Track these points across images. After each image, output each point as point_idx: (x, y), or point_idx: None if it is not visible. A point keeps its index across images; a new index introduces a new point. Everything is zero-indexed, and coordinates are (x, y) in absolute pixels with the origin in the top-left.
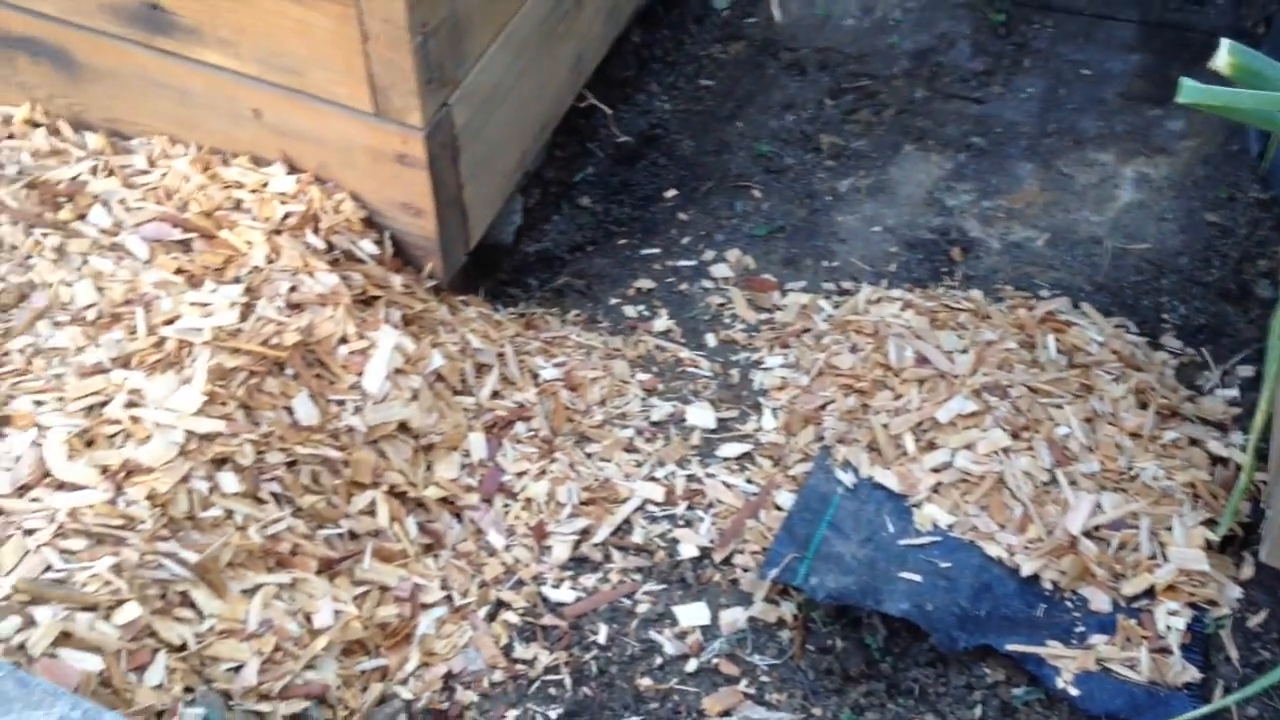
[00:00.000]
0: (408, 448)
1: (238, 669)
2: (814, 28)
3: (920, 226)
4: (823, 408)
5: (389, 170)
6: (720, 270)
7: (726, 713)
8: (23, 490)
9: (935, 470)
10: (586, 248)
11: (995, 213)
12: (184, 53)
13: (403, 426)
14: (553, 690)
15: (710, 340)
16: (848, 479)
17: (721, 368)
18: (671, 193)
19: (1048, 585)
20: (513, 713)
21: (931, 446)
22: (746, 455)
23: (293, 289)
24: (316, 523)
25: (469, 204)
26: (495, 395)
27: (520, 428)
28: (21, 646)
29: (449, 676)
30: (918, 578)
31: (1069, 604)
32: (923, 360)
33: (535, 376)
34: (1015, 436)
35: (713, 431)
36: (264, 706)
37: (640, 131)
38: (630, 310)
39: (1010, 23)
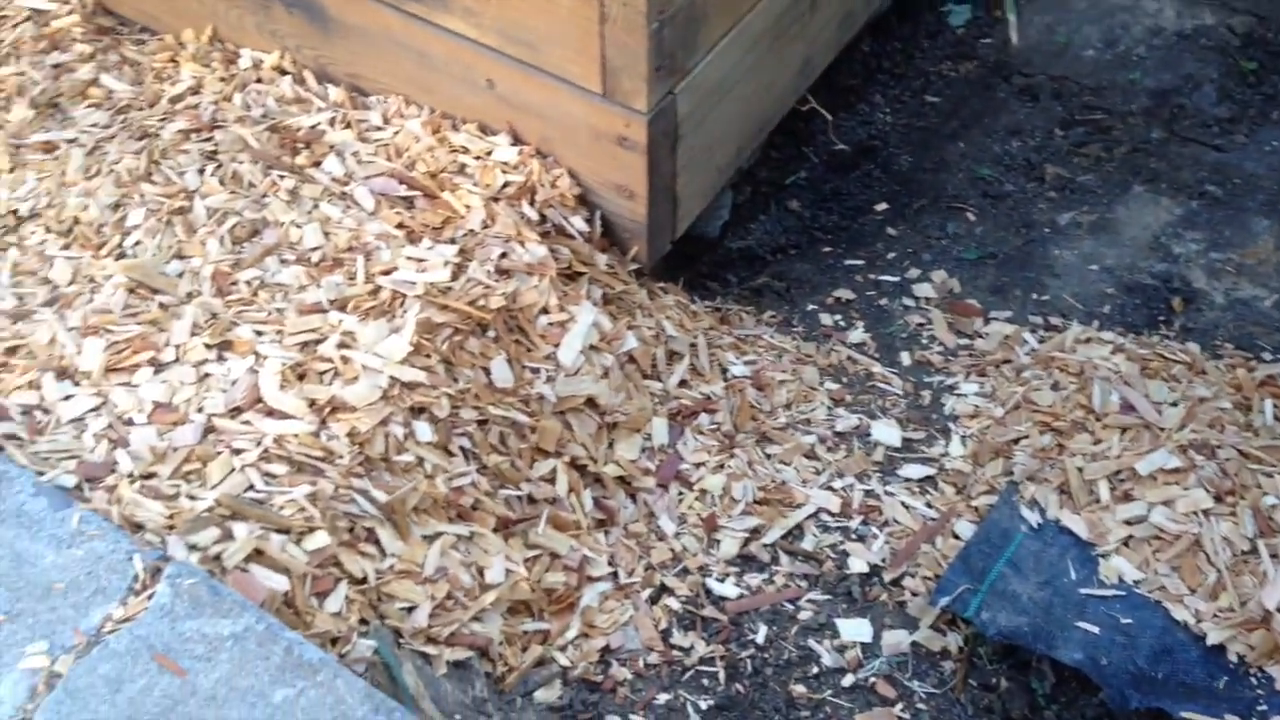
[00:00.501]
0: (593, 423)
1: (410, 610)
2: (1052, 55)
3: (1141, 271)
4: (1015, 442)
5: (608, 151)
6: (923, 289)
7: None
8: (235, 412)
9: (1128, 523)
10: (789, 250)
11: (1224, 266)
12: (430, 18)
13: (590, 402)
14: (705, 681)
15: (905, 359)
16: (1033, 518)
17: (913, 388)
18: (882, 206)
19: (1233, 658)
20: (664, 696)
21: (1127, 497)
22: (929, 479)
23: (503, 255)
24: (499, 482)
25: (681, 193)
26: (683, 384)
27: (704, 419)
28: (217, 557)
29: (606, 651)
30: (1095, 629)
31: (1254, 680)
32: (1128, 407)
33: (724, 371)
34: (1219, 499)
35: (897, 450)
36: (430, 649)
37: (858, 141)
38: (826, 318)
39: (1261, 72)
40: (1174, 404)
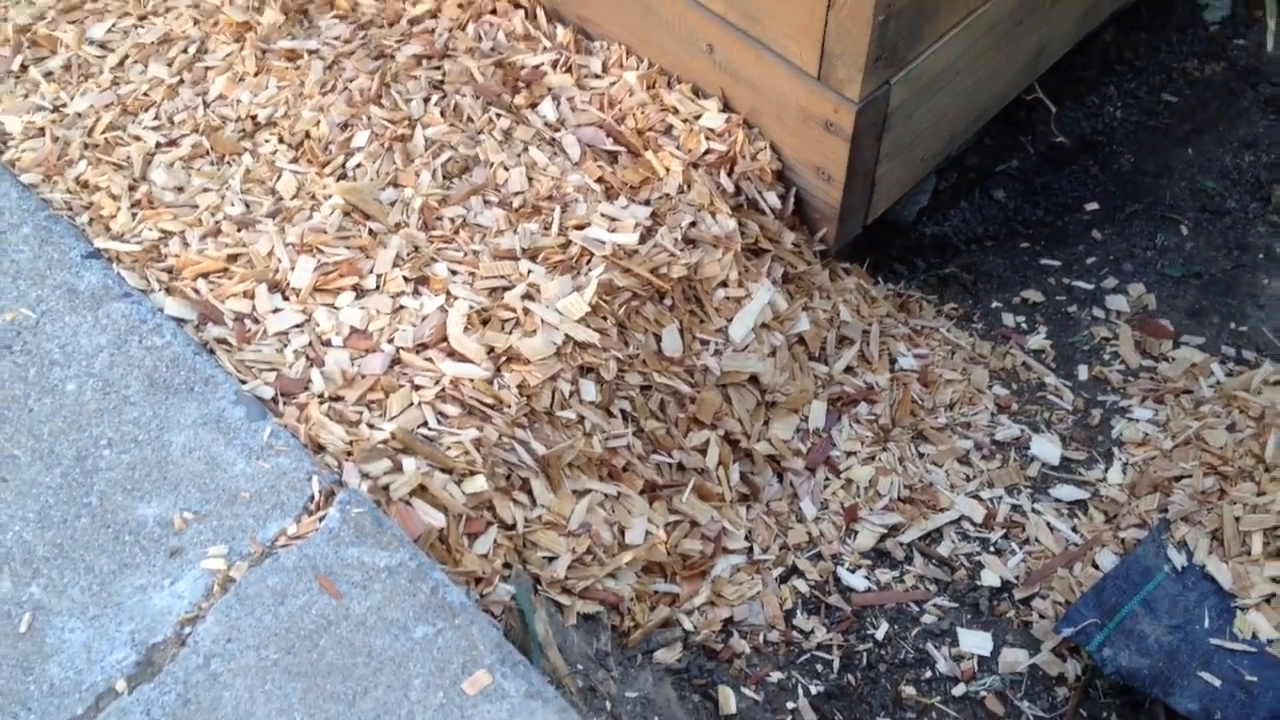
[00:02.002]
0: (752, 399)
1: (551, 560)
2: None
3: None
4: (1177, 479)
5: (813, 133)
6: (1117, 302)
7: None
8: (421, 348)
9: (1275, 579)
10: (985, 242)
11: None
12: None
13: (753, 378)
14: (819, 667)
15: (1082, 372)
16: (1178, 560)
17: (1084, 404)
18: (1093, 206)
19: None
20: (777, 674)
21: (1278, 555)
22: (1080, 503)
23: (693, 224)
24: (652, 447)
25: (879, 181)
26: (848, 370)
27: (863, 409)
28: (385, 488)
29: (729, 621)
30: (1216, 682)
31: None
32: None
33: (893, 362)
34: None
35: (1054, 468)
36: (564, 599)
37: (1081, 135)
38: (1009, 318)
39: None
40: None
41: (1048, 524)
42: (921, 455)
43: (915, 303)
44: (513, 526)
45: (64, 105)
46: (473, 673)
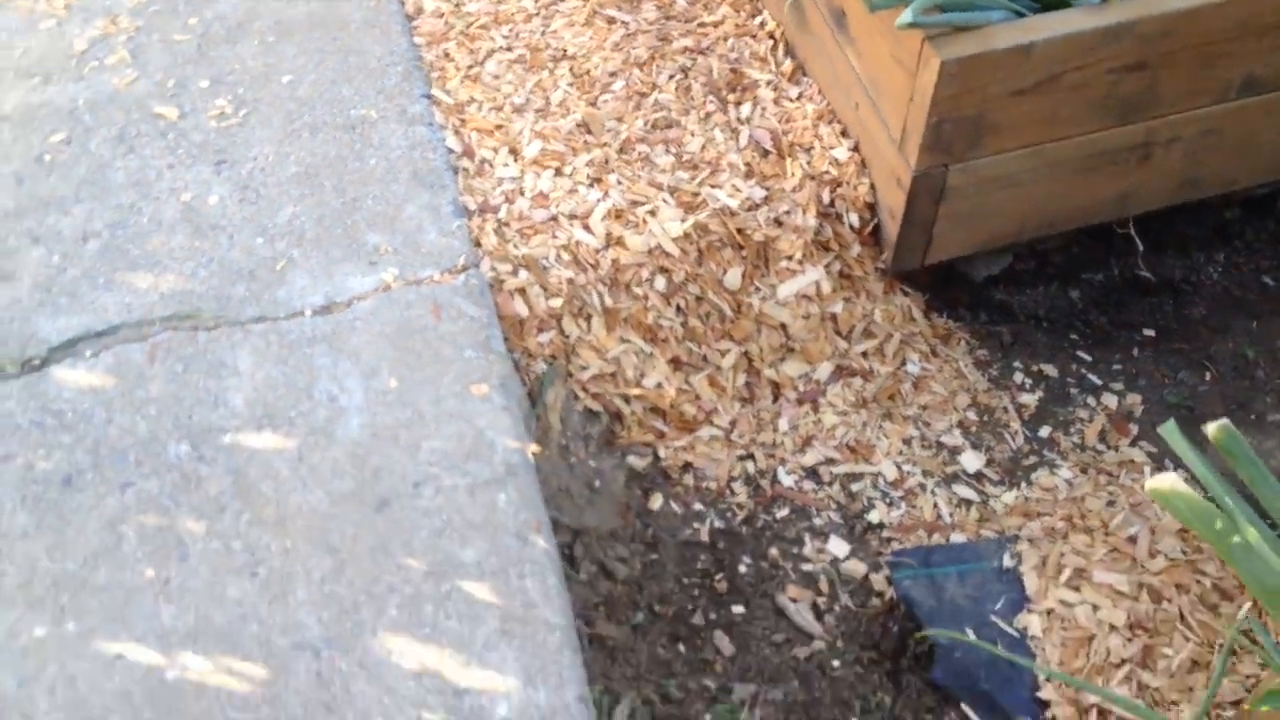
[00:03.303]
0: (777, 340)
1: (585, 368)
2: None
3: None
4: (1042, 515)
5: (891, 184)
6: (1110, 400)
7: None
8: (572, 218)
9: (1061, 602)
10: (1042, 322)
11: None
12: (841, 44)
13: (783, 326)
14: (729, 514)
15: (1044, 431)
16: (1007, 562)
17: (1027, 450)
18: (1149, 332)
19: None
20: (699, 506)
21: (1077, 589)
22: (968, 502)
23: (786, 212)
24: (689, 337)
25: (936, 236)
26: (863, 354)
27: (857, 381)
28: (502, 281)
29: (690, 466)
30: (972, 635)
31: None
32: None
33: (901, 364)
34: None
35: (967, 474)
36: (581, 394)
37: (1169, 279)
38: (1020, 377)
39: None
40: None
41: (935, 504)
42: (880, 427)
43: (954, 337)
44: (568, 336)
45: (462, 4)
46: (481, 384)
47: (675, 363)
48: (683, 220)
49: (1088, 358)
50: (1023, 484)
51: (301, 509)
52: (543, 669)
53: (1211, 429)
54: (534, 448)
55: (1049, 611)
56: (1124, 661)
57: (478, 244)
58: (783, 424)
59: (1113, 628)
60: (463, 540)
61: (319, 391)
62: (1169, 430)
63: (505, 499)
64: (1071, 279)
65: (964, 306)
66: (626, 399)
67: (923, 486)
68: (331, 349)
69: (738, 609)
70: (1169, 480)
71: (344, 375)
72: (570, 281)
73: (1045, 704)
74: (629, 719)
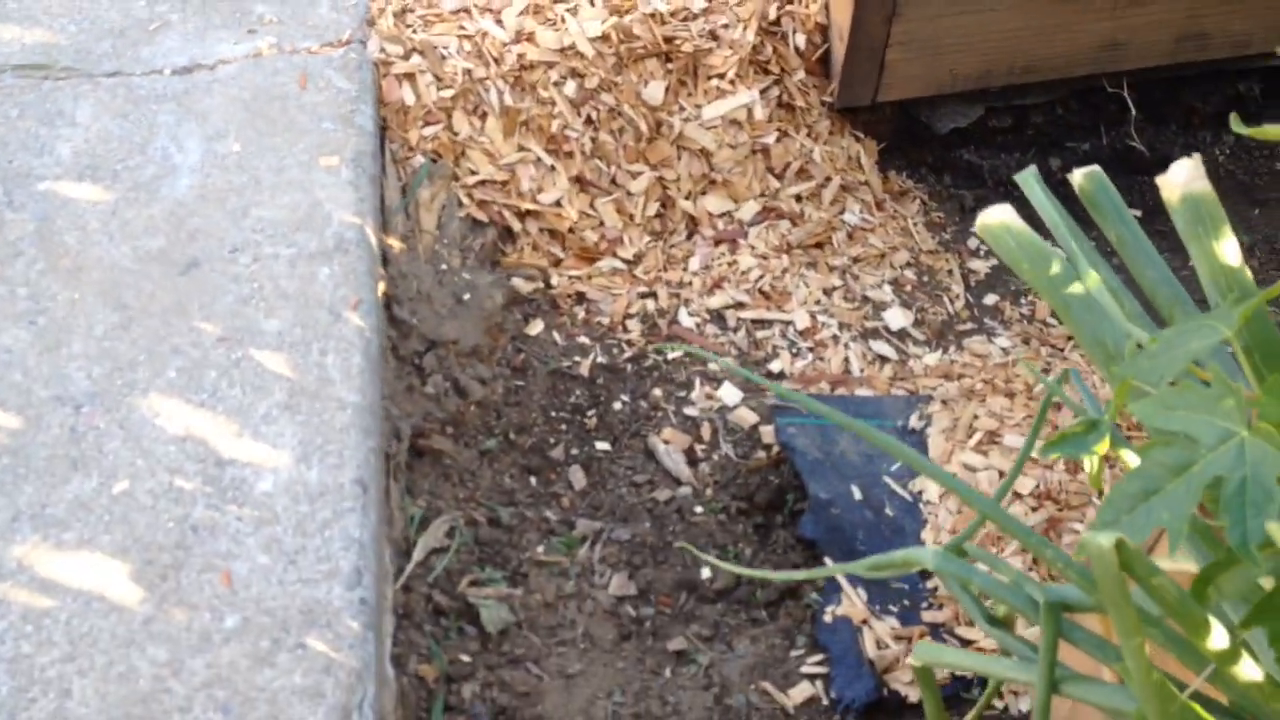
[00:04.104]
0: (699, 169)
1: (474, 172)
2: None
3: None
4: (962, 378)
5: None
6: None
7: None
8: (486, 11)
9: (964, 465)
10: (1013, 190)
11: None
12: None
13: (705, 153)
14: (614, 350)
15: (989, 299)
16: (914, 422)
17: (966, 316)
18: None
19: None
20: (584, 339)
21: (980, 453)
22: (884, 358)
23: (725, 25)
24: (597, 155)
25: (889, 64)
26: (796, 197)
27: (785, 225)
28: (390, 63)
29: (583, 296)
30: (859, 496)
31: None
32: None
33: (840, 212)
34: None
35: (889, 331)
36: (466, 200)
37: (1166, 156)
38: (975, 242)
39: None
40: None
41: (846, 357)
42: (801, 275)
43: (909, 195)
44: (458, 134)
45: None
46: (332, 156)
47: (579, 181)
48: (603, 19)
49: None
50: (952, 348)
51: (101, 262)
52: (322, 447)
53: (1078, 176)
54: (393, 242)
55: (954, 476)
56: None
57: (371, 23)
58: (694, 263)
59: (1018, 495)
60: (269, 310)
61: (154, 149)
62: (1026, 178)
63: (328, 273)
64: (1053, 145)
65: (926, 166)
66: (520, 214)
67: (836, 339)
68: (180, 108)
69: (603, 445)
70: (1000, 214)
71: (185, 135)
72: (468, 74)
73: (927, 574)
74: (446, 535)
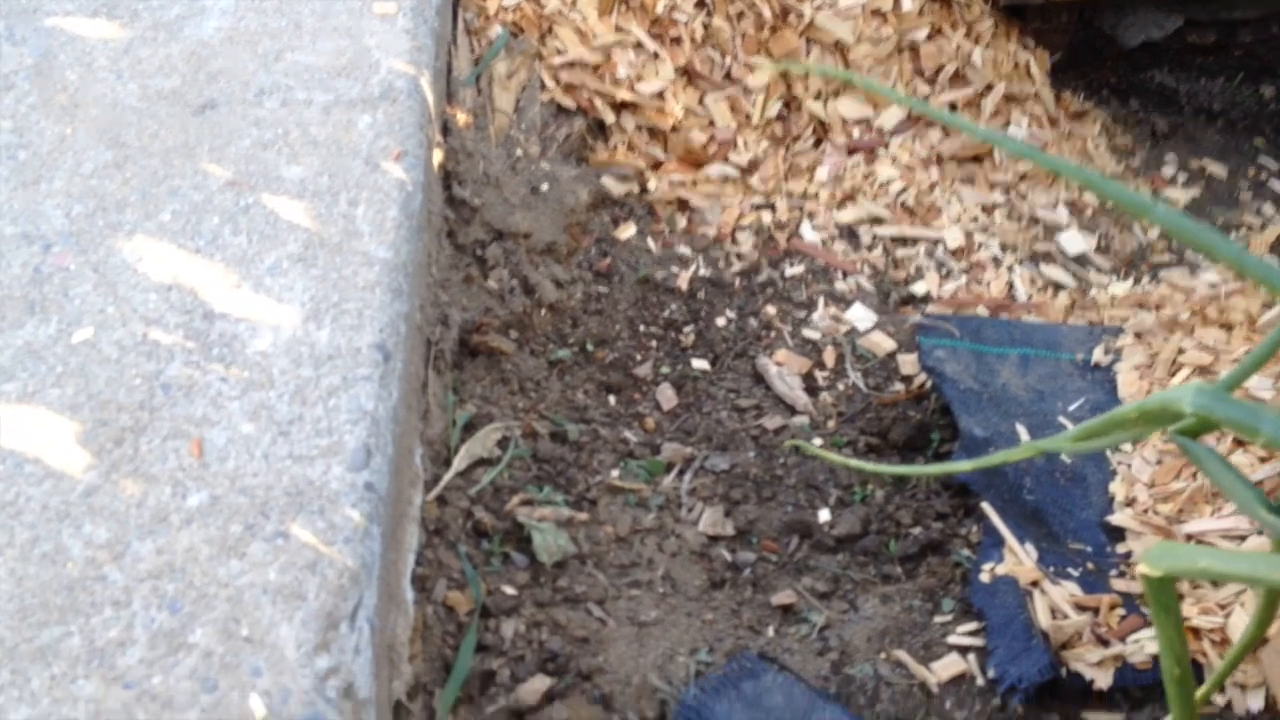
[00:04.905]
0: (832, 63)
1: (562, 52)
2: None
3: None
4: (1161, 308)
5: None
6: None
7: None
8: None
9: None
10: (1215, 119)
11: None
12: None
13: (840, 47)
14: (721, 263)
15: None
16: (1098, 356)
17: (1163, 248)
18: None
19: None
20: (685, 250)
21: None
22: (1059, 284)
23: None
24: (711, 43)
25: None
26: (951, 105)
27: (935, 135)
28: None
29: (686, 205)
30: (1025, 436)
31: None
32: None
33: (1005, 125)
34: None
35: (1067, 255)
36: (551, 84)
37: None
38: (1170, 171)
39: None
40: None
41: (1010, 282)
42: (954, 190)
43: (1089, 116)
44: (545, 8)
45: None
46: (386, 3)
47: (687, 73)
48: None
49: (1274, 165)
50: (1145, 278)
51: (102, 100)
52: (339, 305)
53: None
54: (459, 114)
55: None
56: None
57: None
58: (822, 173)
59: (1238, 444)
60: (292, 156)
61: None
62: None
63: (369, 121)
64: (1264, 71)
65: (1108, 88)
66: (614, 104)
67: (997, 261)
68: None
69: (700, 364)
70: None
71: None
72: None
73: (1118, 532)
74: (497, 445)
